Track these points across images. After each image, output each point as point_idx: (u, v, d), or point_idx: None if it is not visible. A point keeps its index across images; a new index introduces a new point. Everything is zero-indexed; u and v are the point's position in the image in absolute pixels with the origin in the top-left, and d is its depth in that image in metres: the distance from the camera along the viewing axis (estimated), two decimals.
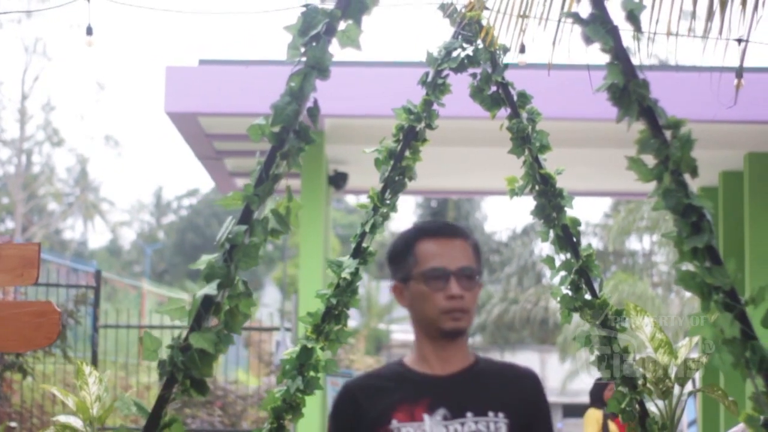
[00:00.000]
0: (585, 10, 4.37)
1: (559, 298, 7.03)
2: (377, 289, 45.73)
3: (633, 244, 39.27)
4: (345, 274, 6.86)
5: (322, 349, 6.87)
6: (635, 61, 4.29)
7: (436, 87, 6.96)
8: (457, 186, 18.72)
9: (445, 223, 3.62)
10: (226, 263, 4.18)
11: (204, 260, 4.23)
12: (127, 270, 57.20)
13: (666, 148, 4.17)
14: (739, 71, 7.29)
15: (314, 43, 4.22)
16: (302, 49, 4.26)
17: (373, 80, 12.27)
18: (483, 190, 18.92)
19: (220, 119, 13.22)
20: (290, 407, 6.71)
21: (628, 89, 4.17)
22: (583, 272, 6.98)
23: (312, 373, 6.77)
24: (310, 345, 6.74)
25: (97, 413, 7.52)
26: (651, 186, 4.31)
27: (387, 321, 45.58)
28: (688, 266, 4.26)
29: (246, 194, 4.21)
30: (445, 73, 7.00)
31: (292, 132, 4.22)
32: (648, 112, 4.20)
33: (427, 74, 6.98)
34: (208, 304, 4.19)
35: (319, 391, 6.90)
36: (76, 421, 7.61)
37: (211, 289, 4.12)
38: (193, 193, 65.99)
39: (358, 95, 12.18)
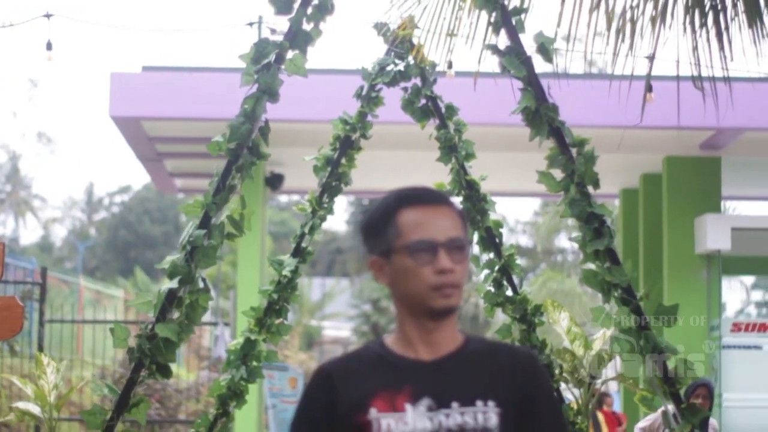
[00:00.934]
0: (504, 40, 4.99)
1: (483, 295, 7.70)
2: (309, 285, 46.14)
3: (562, 241, 40.16)
4: (286, 272, 7.44)
5: (264, 341, 7.45)
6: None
7: (370, 99, 7.57)
8: (390, 186, 19.35)
9: (426, 188, 3.17)
10: (187, 263, 4.77)
11: (168, 260, 4.80)
12: (58, 266, 57.02)
13: (572, 163, 4.82)
14: (648, 85, 7.95)
15: (265, 71, 4.82)
16: (255, 76, 4.85)
17: (310, 87, 12.81)
18: None
19: (163, 123, 13.76)
20: (234, 394, 7.28)
21: (540, 112, 4.81)
22: (505, 270, 7.63)
23: (255, 363, 7.34)
24: (253, 337, 7.31)
25: (54, 401, 8.05)
26: None
27: (319, 317, 45.86)
28: (590, 266, 4.90)
29: (205, 202, 4.79)
30: (378, 86, 7.60)
31: (246, 148, 4.81)
32: (556, 131, 4.84)
33: (362, 88, 7.58)
34: (171, 298, 4.77)
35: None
36: (34, 408, 8.15)
37: (174, 284, 4.70)
38: (125, 190, 65.78)
39: (294, 100, 12.72)
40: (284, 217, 52.95)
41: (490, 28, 6.81)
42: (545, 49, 4.77)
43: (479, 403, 3.04)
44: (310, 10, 4.98)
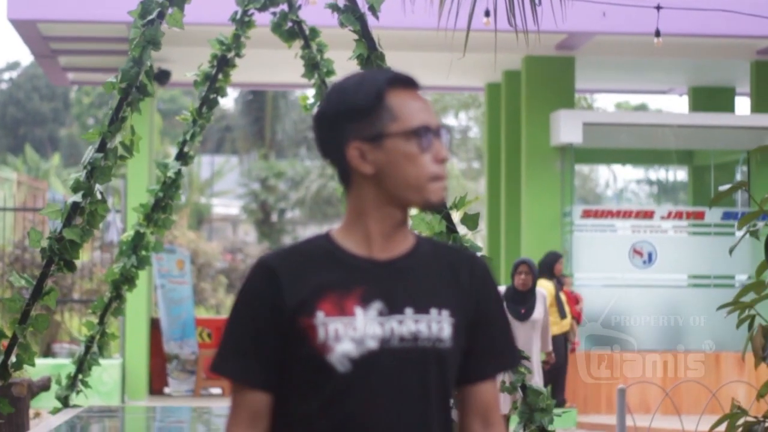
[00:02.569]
0: None
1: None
2: (199, 163, 46.22)
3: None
4: (170, 174, 8.60)
5: (151, 233, 8.64)
6: None
7: (243, 23, 8.67)
8: (270, 80, 20.42)
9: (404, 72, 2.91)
10: (88, 180, 5.95)
11: (73, 177, 5.98)
12: None
13: None
14: None
15: (150, 25, 5.98)
16: (142, 29, 6.01)
17: None
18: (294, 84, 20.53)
19: (57, 25, 14.76)
20: (126, 279, 8.48)
21: (371, 59, 6.01)
22: None
23: (144, 253, 8.54)
24: (142, 230, 8.49)
25: None
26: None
27: (208, 195, 45.82)
28: None
29: (102, 131, 5.97)
30: (251, 11, 8.70)
31: (134, 88, 5.98)
32: None
33: (236, 13, 8.67)
34: (75, 208, 5.97)
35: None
36: None
37: (77, 198, 5.88)
38: (13, 66, 65.23)
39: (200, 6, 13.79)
40: (174, 94, 53.28)
41: None
42: (373, 8, 5.98)
43: (433, 311, 2.82)
44: None
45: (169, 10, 6.11)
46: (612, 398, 13.28)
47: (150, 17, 5.98)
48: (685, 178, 20.17)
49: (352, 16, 5.95)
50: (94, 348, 8.53)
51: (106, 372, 14.01)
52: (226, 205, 47.70)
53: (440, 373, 2.80)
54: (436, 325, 2.79)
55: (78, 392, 8.55)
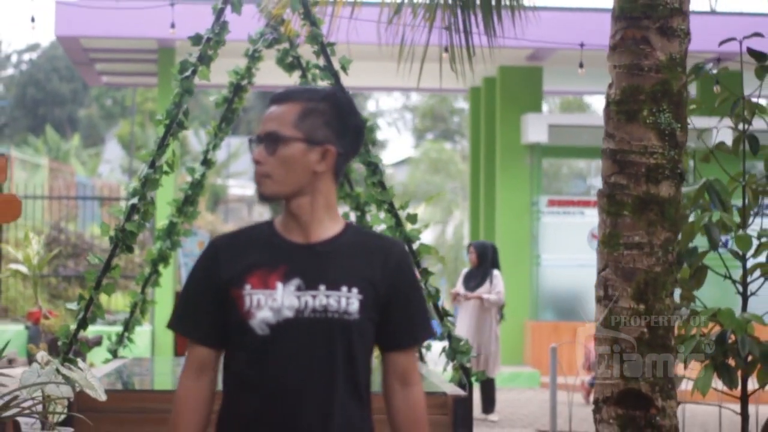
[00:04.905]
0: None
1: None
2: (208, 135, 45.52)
3: None
4: (197, 175, 11.01)
5: (182, 222, 11.04)
6: None
7: (254, 59, 11.06)
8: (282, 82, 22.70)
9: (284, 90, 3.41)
10: (142, 188, 8.43)
11: (131, 186, 8.46)
12: None
13: None
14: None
15: (185, 79, 8.46)
16: (180, 81, 8.49)
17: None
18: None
19: (96, 40, 17.32)
20: (162, 258, 10.80)
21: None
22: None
23: (175, 238, 10.94)
24: (174, 220, 10.89)
25: (37, 263, 11.67)
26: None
27: (224, 176, 45.73)
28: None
29: (152, 154, 8.45)
30: (260, 49, 11.09)
31: (176, 123, 8.46)
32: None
33: (248, 50, 11.06)
34: (133, 208, 8.46)
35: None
36: (22, 268, 11.76)
37: (135, 200, 8.38)
38: (33, 48, 64.12)
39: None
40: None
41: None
42: (344, 67, 8.46)
43: (344, 288, 3.22)
44: (210, 43, 8.68)
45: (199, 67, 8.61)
46: (571, 362, 14.66)
47: (186, 74, 8.50)
48: None
49: (329, 72, 8.47)
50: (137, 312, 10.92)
51: (138, 337, 16.27)
52: (241, 186, 48.16)
53: (346, 340, 3.22)
54: (345, 300, 3.21)
55: (124, 347, 10.87)
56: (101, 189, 31.70)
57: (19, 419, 6.28)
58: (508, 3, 8.40)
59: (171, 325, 3.40)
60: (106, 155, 49.19)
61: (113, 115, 53.73)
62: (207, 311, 3.30)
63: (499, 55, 17.97)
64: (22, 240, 11.96)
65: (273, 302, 3.21)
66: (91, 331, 12.90)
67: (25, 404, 5.99)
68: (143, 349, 16.64)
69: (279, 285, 3.23)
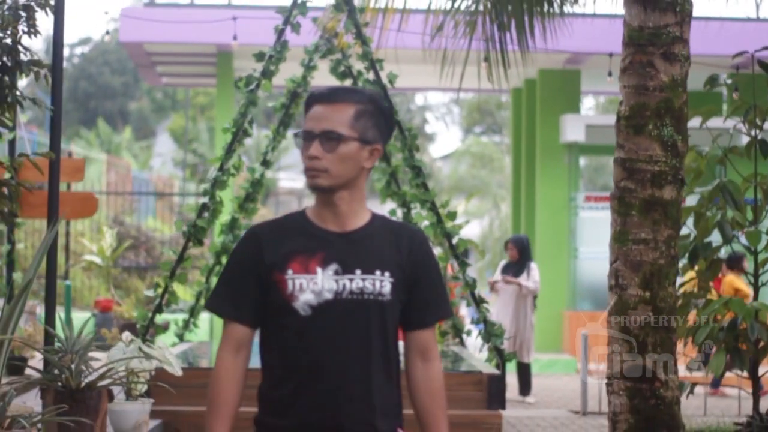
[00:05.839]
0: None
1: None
2: (261, 138, 45.24)
3: None
4: (257, 175, 11.99)
5: (243, 218, 12.02)
6: None
7: (310, 68, 12.04)
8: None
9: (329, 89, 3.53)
10: (212, 188, 9.44)
11: (202, 188, 9.46)
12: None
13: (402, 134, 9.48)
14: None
15: (250, 92, 9.49)
16: (246, 94, 9.52)
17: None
18: None
19: (158, 45, 18.34)
20: (225, 251, 11.76)
21: None
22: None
23: (237, 232, 11.93)
24: (236, 216, 11.89)
25: (110, 255, 12.68)
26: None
27: (275, 169, 43.16)
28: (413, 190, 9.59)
29: (221, 158, 9.47)
30: (316, 60, 12.06)
31: (241, 131, 9.48)
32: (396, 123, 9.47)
33: (304, 60, 12.05)
34: (204, 206, 9.50)
35: None
36: (96, 259, 12.78)
37: (206, 200, 9.40)
38: (85, 41, 61.28)
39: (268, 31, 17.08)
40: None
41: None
42: (392, 81, 9.47)
43: (377, 272, 3.43)
44: (272, 60, 9.74)
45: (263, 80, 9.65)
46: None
47: (251, 87, 9.56)
48: None
49: (378, 85, 9.50)
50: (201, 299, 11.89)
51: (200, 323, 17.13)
52: (291, 179, 48.03)
53: (380, 319, 3.43)
54: (379, 283, 3.42)
55: (190, 331, 11.80)
56: (156, 183, 32.55)
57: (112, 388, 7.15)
58: (545, 10, 8.95)
59: (210, 305, 3.57)
60: (158, 148, 49.21)
61: (164, 108, 54.12)
62: (247, 293, 3.47)
63: (538, 59, 18.94)
64: (95, 234, 12.99)
65: (314, 286, 3.40)
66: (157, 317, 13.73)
67: (115, 376, 6.84)
68: (201, 335, 17.48)
69: (318, 270, 3.41)
